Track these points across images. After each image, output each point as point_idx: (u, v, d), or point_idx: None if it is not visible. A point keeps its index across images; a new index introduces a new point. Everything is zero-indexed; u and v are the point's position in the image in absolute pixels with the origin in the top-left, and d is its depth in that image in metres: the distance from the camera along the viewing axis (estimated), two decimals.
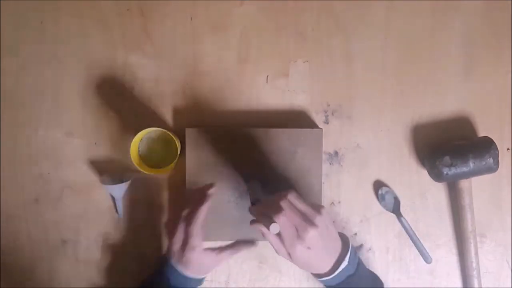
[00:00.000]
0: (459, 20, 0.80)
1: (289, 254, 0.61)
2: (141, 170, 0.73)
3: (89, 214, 0.78)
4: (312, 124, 0.79)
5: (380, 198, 0.79)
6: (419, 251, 0.79)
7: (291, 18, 0.80)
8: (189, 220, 0.66)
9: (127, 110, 0.79)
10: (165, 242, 0.78)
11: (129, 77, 0.79)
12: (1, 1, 0.78)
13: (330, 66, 0.80)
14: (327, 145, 0.79)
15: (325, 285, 0.66)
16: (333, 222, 0.78)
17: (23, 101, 0.78)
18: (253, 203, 0.69)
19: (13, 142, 0.78)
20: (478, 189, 0.78)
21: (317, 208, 0.61)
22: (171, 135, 0.74)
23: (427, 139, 0.79)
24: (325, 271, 0.63)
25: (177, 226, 0.67)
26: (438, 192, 0.80)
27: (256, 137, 0.76)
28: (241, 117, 0.79)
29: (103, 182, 0.76)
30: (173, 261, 0.67)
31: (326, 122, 0.80)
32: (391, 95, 0.80)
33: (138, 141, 0.76)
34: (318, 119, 0.80)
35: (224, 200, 0.76)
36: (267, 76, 0.80)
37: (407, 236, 0.79)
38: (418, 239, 0.78)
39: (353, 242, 0.79)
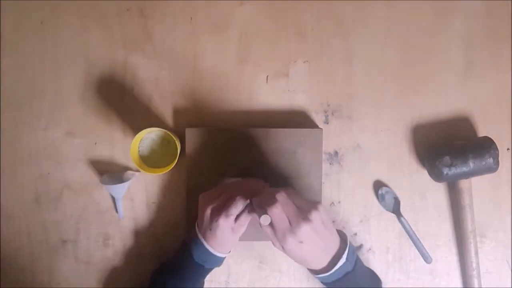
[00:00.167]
0: (459, 20, 0.80)
1: (282, 246, 0.61)
2: (141, 170, 0.73)
3: (89, 214, 0.79)
4: (312, 124, 0.79)
5: (380, 198, 0.79)
6: (419, 251, 0.79)
7: (291, 18, 0.80)
8: (236, 195, 0.66)
9: (127, 110, 0.79)
10: (167, 242, 0.78)
11: (129, 77, 0.79)
12: (1, 1, 0.78)
13: (330, 66, 0.80)
14: (327, 145, 0.79)
15: (322, 282, 0.66)
16: (333, 222, 0.79)
17: (23, 101, 0.78)
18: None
19: (13, 142, 0.78)
20: (478, 189, 0.78)
21: (314, 204, 0.62)
22: (171, 135, 0.74)
23: (427, 139, 0.79)
24: (321, 268, 0.63)
25: (217, 197, 0.67)
26: (438, 192, 0.80)
27: (256, 137, 0.76)
28: (241, 117, 0.79)
29: (103, 182, 0.76)
30: (203, 229, 0.67)
31: (326, 122, 0.80)
32: (391, 95, 0.80)
33: (138, 141, 0.76)
34: (318, 119, 0.80)
35: None
36: (267, 76, 0.80)
37: (407, 236, 0.79)
38: (418, 239, 0.78)
39: (353, 242, 0.79)
